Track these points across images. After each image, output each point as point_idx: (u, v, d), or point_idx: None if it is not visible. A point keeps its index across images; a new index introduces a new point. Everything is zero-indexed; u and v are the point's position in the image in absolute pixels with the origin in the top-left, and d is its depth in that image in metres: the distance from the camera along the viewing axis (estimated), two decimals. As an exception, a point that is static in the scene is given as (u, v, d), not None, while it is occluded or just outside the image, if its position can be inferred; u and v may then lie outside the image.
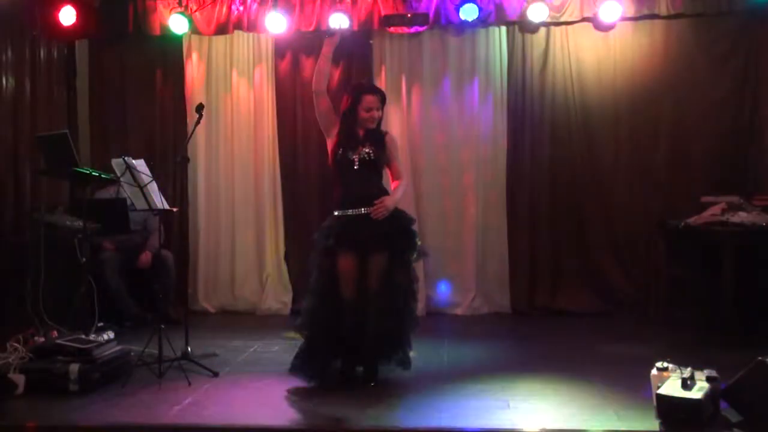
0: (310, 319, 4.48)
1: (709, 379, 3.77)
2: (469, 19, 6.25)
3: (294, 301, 6.62)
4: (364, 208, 4.37)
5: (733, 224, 5.42)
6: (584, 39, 6.54)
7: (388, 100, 4.70)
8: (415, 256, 4.52)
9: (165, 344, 4.63)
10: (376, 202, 4.35)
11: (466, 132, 6.69)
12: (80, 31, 6.59)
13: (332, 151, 4.50)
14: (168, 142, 6.81)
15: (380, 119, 4.53)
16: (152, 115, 6.86)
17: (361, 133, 4.46)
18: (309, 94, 6.63)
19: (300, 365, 4.47)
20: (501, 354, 5.31)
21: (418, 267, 5.24)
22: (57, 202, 6.37)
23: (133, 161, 4.78)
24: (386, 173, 4.62)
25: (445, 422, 3.82)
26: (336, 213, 4.46)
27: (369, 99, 4.43)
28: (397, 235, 4.40)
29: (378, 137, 4.48)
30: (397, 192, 4.49)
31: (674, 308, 6.09)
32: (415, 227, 4.55)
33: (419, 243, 4.57)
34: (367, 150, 4.41)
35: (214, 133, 6.90)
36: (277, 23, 6.40)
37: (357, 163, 4.39)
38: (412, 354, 4.53)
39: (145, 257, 6.12)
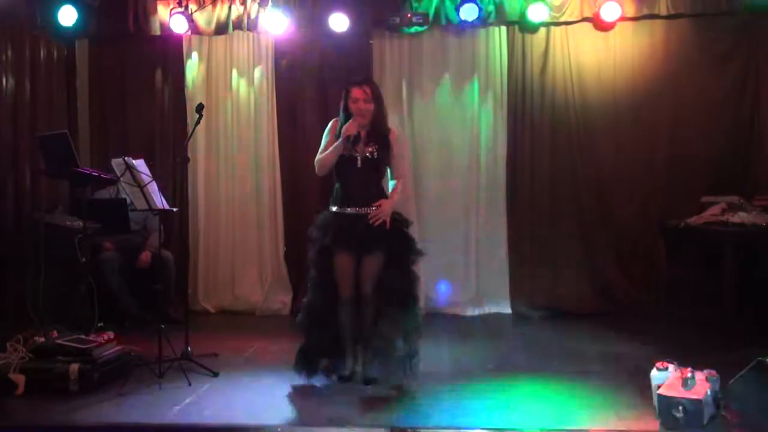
0: (309, 316, 4.49)
1: (709, 379, 3.77)
2: (469, 19, 6.25)
3: (294, 300, 6.62)
4: (362, 208, 4.36)
5: (733, 224, 5.43)
6: (584, 39, 6.54)
7: (388, 100, 4.67)
8: (413, 257, 4.51)
9: (165, 344, 4.63)
10: (374, 205, 4.35)
11: (465, 132, 6.69)
12: (80, 31, 6.59)
13: None
14: (168, 142, 6.81)
15: (374, 111, 4.42)
16: (152, 115, 6.86)
17: (363, 132, 4.40)
18: (309, 93, 6.76)
19: (303, 361, 4.48)
20: (501, 354, 5.31)
21: (418, 267, 5.24)
22: (57, 202, 6.38)
23: (133, 161, 4.79)
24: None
25: (445, 422, 3.83)
26: (333, 209, 4.45)
27: (355, 91, 4.40)
28: (394, 238, 4.39)
29: (382, 135, 4.45)
30: (395, 196, 4.47)
31: (674, 308, 6.09)
32: (410, 230, 4.54)
33: (416, 245, 4.55)
34: (370, 149, 4.40)
35: (214, 133, 6.90)
36: (277, 23, 6.41)
37: (360, 162, 4.39)
38: (418, 362, 4.46)
39: (145, 257, 6.13)
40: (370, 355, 4.41)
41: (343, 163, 4.41)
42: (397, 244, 4.41)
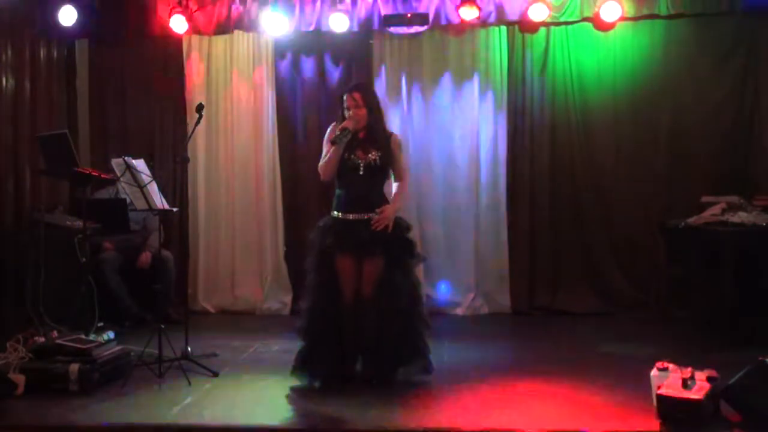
0: (309, 320, 4.48)
1: (709, 379, 3.77)
2: (469, 19, 6.26)
3: (294, 301, 6.61)
4: (364, 213, 4.37)
5: (733, 224, 5.42)
6: (584, 39, 6.54)
7: (388, 101, 4.66)
8: (414, 260, 4.56)
9: (165, 344, 4.63)
10: (377, 210, 4.35)
11: (466, 132, 6.69)
12: (80, 31, 6.59)
13: None
14: (168, 142, 6.81)
15: (369, 117, 4.41)
16: (152, 115, 6.86)
17: (361, 135, 4.43)
18: (309, 94, 6.78)
19: (301, 366, 4.47)
20: (501, 354, 5.32)
21: (418, 267, 5.25)
22: (57, 202, 6.37)
23: (133, 161, 4.79)
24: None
25: (445, 422, 3.82)
26: (335, 214, 4.46)
27: (346, 98, 4.44)
28: (395, 241, 4.41)
29: (382, 140, 4.46)
30: (397, 201, 4.50)
31: (674, 308, 6.10)
32: (411, 234, 4.57)
33: (417, 248, 4.61)
34: (373, 156, 4.40)
35: (214, 133, 6.89)
36: (277, 23, 6.41)
37: (362, 169, 4.39)
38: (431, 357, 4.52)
39: (145, 257, 6.13)
40: (376, 355, 4.41)
41: (346, 170, 4.41)
42: (397, 248, 4.43)
